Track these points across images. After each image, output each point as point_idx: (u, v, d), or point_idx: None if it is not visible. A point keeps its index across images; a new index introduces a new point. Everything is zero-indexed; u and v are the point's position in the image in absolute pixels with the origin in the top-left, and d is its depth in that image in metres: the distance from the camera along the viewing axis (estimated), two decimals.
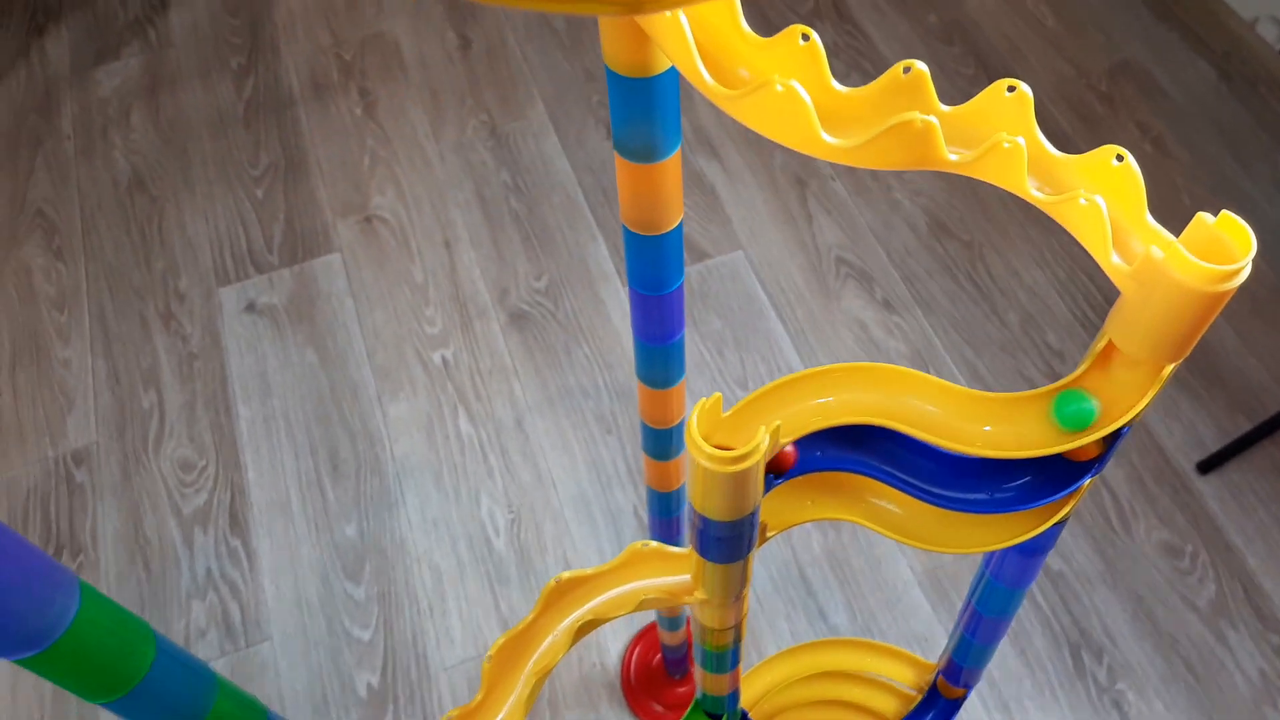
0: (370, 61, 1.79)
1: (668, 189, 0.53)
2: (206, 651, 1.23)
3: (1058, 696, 1.16)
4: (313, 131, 1.70)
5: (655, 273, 0.59)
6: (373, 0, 1.89)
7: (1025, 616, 1.21)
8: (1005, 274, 1.46)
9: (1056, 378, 1.40)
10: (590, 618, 0.50)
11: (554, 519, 1.30)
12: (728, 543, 0.44)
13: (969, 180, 1.54)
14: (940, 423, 0.42)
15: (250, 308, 1.51)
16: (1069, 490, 0.45)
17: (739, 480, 0.39)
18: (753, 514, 0.42)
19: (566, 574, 0.51)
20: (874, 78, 0.41)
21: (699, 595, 0.50)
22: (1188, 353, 0.37)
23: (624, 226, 0.56)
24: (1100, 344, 0.39)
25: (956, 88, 1.68)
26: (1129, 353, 0.38)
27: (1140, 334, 0.37)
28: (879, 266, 1.48)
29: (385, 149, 1.67)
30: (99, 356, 1.47)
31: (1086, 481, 0.48)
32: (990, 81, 0.52)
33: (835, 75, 0.41)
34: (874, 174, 1.57)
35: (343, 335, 1.47)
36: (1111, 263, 0.36)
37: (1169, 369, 0.38)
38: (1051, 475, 0.46)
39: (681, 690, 1.16)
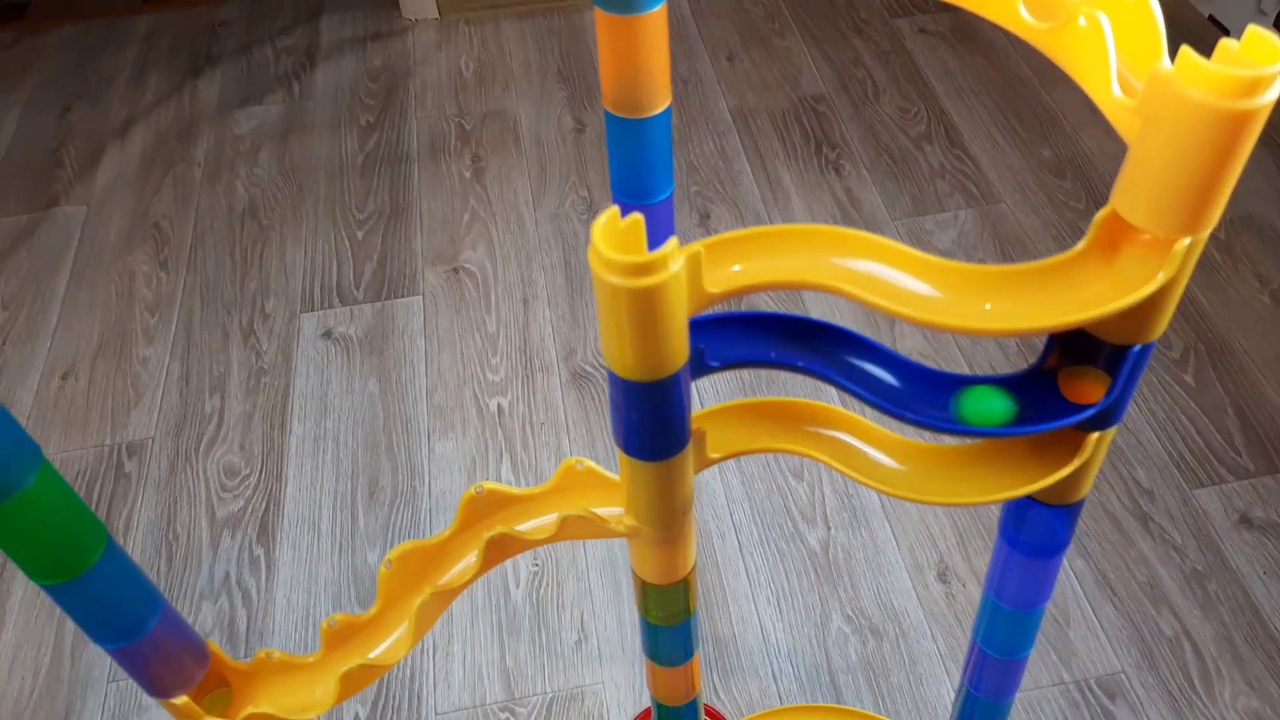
0: (488, 133, 1.87)
1: (650, 50, 0.49)
2: None
3: None
4: (422, 187, 1.77)
5: (640, 179, 0.55)
6: (502, 82, 1.98)
7: None
8: None
9: (1137, 504, 1.28)
10: (504, 532, 0.45)
11: (578, 579, 1.23)
12: (651, 424, 0.39)
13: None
14: (934, 301, 0.36)
15: (327, 334, 1.53)
16: (1053, 424, 0.39)
17: (650, 301, 0.34)
18: (678, 376, 0.37)
19: (490, 484, 0.46)
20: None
21: (627, 521, 0.44)
22: (1209, 220, 0.32)
23: (606, 112, 0.53)
24: (1104, 213, 0.34)
25: (1064, 219, 1.63)
26: (1136, 222, 0.33)
27: (1148, 190, 0.31)
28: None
29: (485, 210, 1.72)
30: (176, 359, 1.51)
31: (1086, 432, 0.41)
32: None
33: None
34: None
35: (408, 371, 1.47)
36: (1113, 98, 0.31)
37: (1184, 246, 0.33)
38: (1042, 407, 0.39)
39: None
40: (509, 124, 1.89)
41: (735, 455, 0.44)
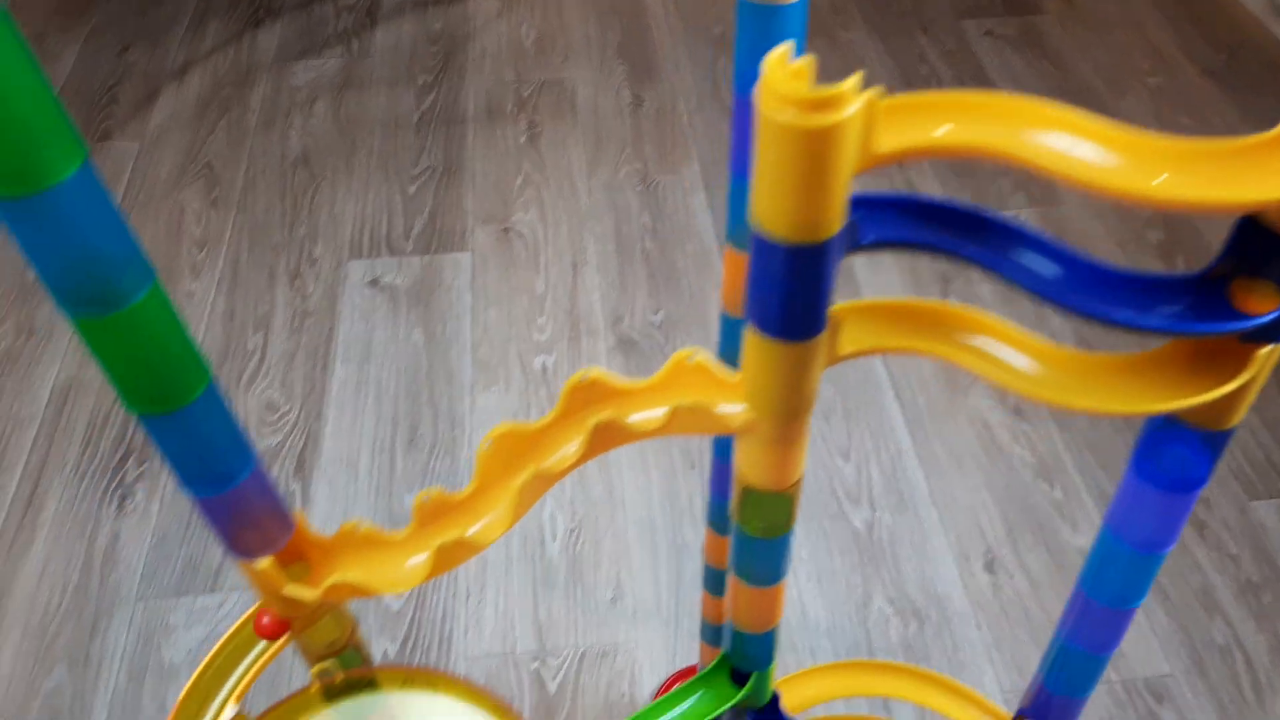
0: (545, 100, 1.85)
1: None
2: (234, 580, 1.18)
3: None
4: (476, 148, 1.75)
5: None
6: (562, 53, 1.97)
7: None
8: None
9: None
10: (611, 419, 0.42)
11: (615, 537, 1.21)
12: (794, 296, 0.36)
13: None
14: (1102, 167, 0.34)
15: (374, 283, 1.52)
16: (1221, 327, 0.36)
17: (820, 143, 0.32)
18: (830, 243, 0.35)
19: (596, 371, 0.44)
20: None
21: (744, 415, 0.42)
22: None
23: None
24: None
25: (1128, 226, 1.59)
26: None
27: None
28: None
29: (539, 175, 1.70)
30: (221, 295, 1.50)
31: (1253, 346, 0.39)
32: None
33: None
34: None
35: (453, 325, 1.46)
36: None
37: None
38: (1207, 310, 0.37)
39: None
40: (567, 93, 1.87)
41: (868, 353, 0.42)
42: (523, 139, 1.77)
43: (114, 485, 1.29)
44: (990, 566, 1.18)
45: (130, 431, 1.34)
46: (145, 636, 1.15)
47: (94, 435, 1.34)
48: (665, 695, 0.59)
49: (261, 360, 1.41)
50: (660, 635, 1.13)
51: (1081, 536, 1.20)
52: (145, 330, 0.35)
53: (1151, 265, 1.50)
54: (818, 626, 1.12)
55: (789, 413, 0.41)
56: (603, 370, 0.44)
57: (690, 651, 1.12)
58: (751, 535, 0.46)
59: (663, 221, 1.60)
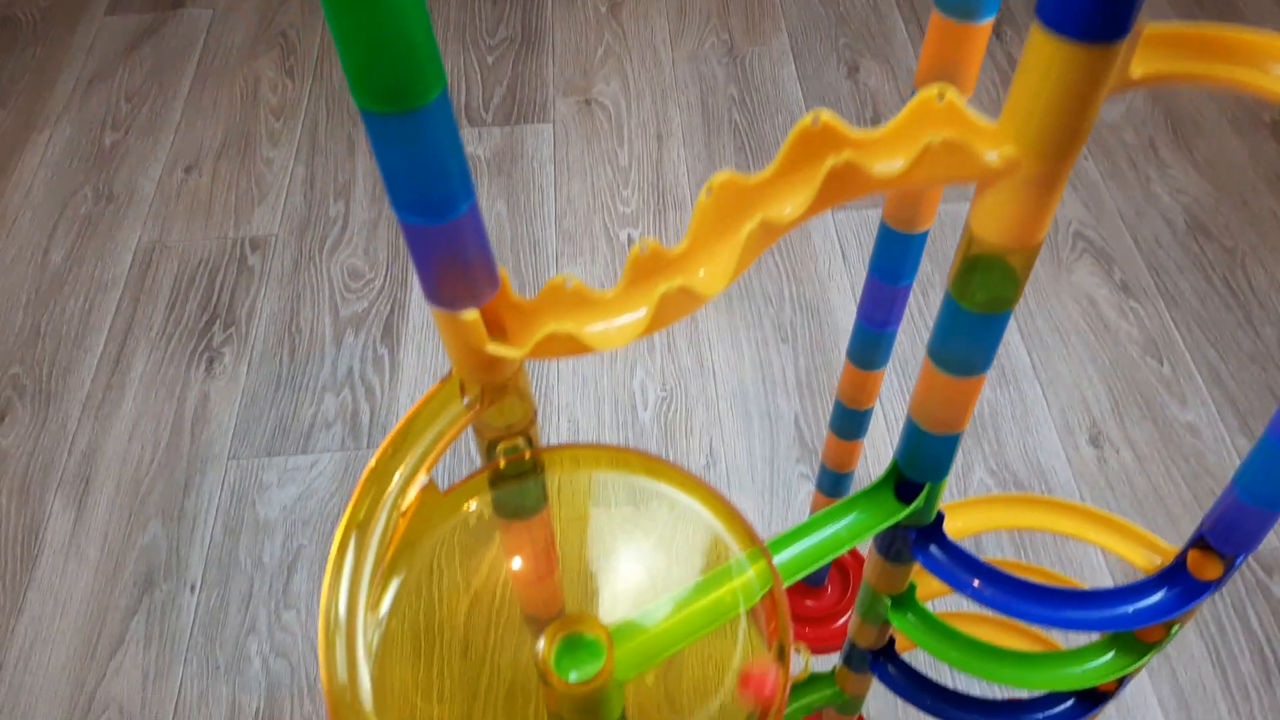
0: None
1: None
2: (326, 442, 1.18)
3: None
4: (555, 19, 1.69)
5: (896, 266, 0.60)
6: None
7: (1233, 634, 1.01)
8: (1268, 287, 1.28)
9: None
10: (850, 162, 0.39)
11: (707, 407, 1.19)
12: None
13: (1240, 188, 1.38)
14: None
15: None
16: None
17: None
18: None
19: (827, 115, 0.40)
20: None
21: (1005, 150, 0.38)
22: None
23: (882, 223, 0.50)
24: None
25: (1240, 103, 1.51)
26: None
27: None
28: (1122, 250, 1.32)
29: (620, 45, 1.64)
30: (300, 163, 1.47)
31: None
32: None
33: None
34: (1132, 162, 1.42)
35: (536, 196, 1.42)
36: None
37: None
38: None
39: (809, 603, 1.02)
40: None
41: (1162, 80, 0.38)
42: (604, 9, 1.71)
43: (201, 348, 1.28)
44: (1095, 441, 1.14)
45: (216, 296, 1.33)
46: (239, 494, 1.16)
47: (179, 299, 1.33)
48: (823, 511, 0.57)
49: (344, 228, 1.39)
50: (754, 503, 1.11)
51: (1190, 412, 1.16)
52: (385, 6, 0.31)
53: (1265, 144, 1.43)
54: None
55: (1061, 146, 0.36)
56: (832, 114, 0.40)
57: (784, 519, 1.10)
58: (968, 310, 0.43)
59: (750, 94, 1.55)
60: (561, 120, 1.52)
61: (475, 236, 0.38)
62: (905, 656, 0.77)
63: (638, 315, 0.39)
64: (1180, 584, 0.60)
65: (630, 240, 1.36)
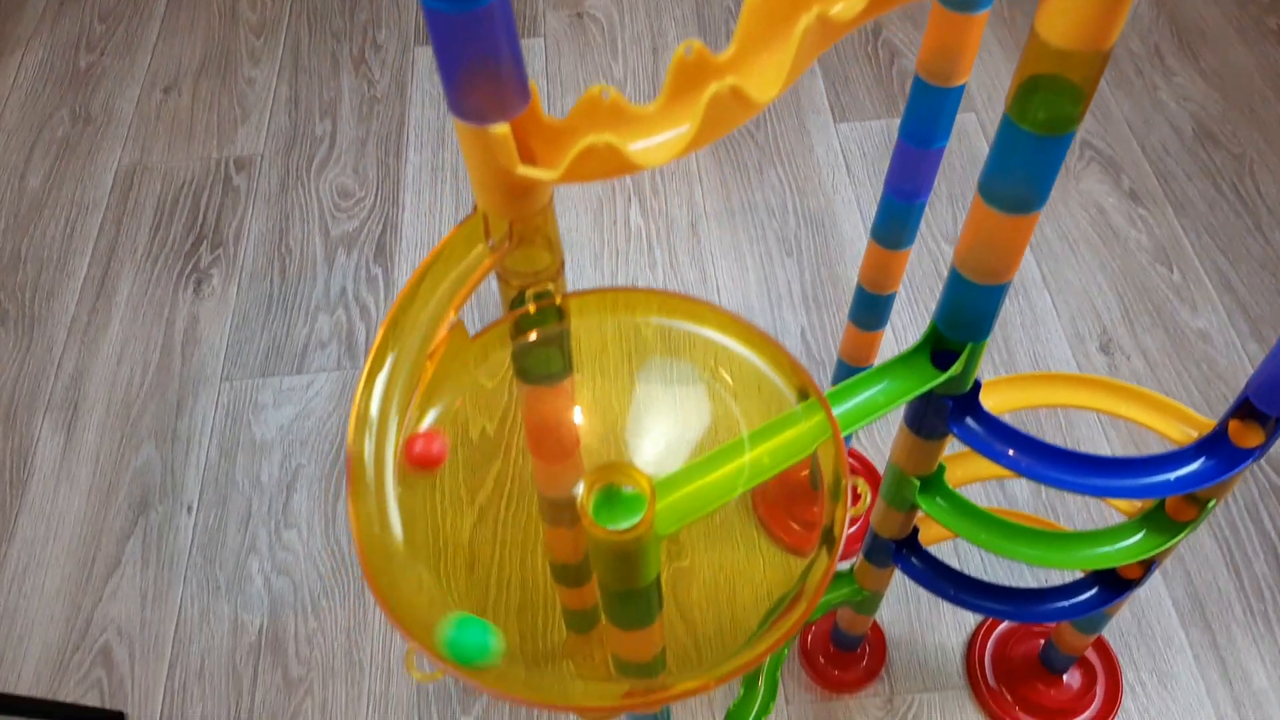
0: None
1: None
2: (322, 361, 1.15)
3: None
4: None
5: (928, 128, 0.58)
6: None
7: (1246, 536, 1.01)
8: (1277, 194, 1.26)
9: None
10: None
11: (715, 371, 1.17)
12: None
13: (1247, 95, 1.35)
14: None
15: None
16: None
17: None
18: None
19: None
20: None
21: None
22: None
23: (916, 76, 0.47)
24: None
25: (1246, 11, 1.48)
26: None
27: None
28: (1130, 158, 1.30)
29: None
30: (284, 82, 1.42)
31: None
32: None
33: None
34: (1138, 70, 1.39)
35: None
36: None
37: None
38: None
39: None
40: None
41: None
42: None
43: (188, 270, 1.25)
44: (1106, 348, 1.13)
45: (201, 217, 1.29)
46: (234, 415, 1.13)
47: (163, 220, 1.29)
48: (855, 378, 0.55)
49: (331, 147, 1.35)
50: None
51: (1201, 319, 1.14)
52: None
53: (1272, 51, 1.40)
54: None
55: None
56: None
57: None
58: (1028, 131, 0.40)
59: None
60: (553, 34, 1.48)
61: (505, 32, 0.34)
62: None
63: (683, 129, 0.36)
64: (1221, 452, 0.58)
65: None
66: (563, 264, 0.44)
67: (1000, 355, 1.12)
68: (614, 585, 0.42)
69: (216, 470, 1.09)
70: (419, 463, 0.40)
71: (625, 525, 0.39)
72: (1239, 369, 1.10)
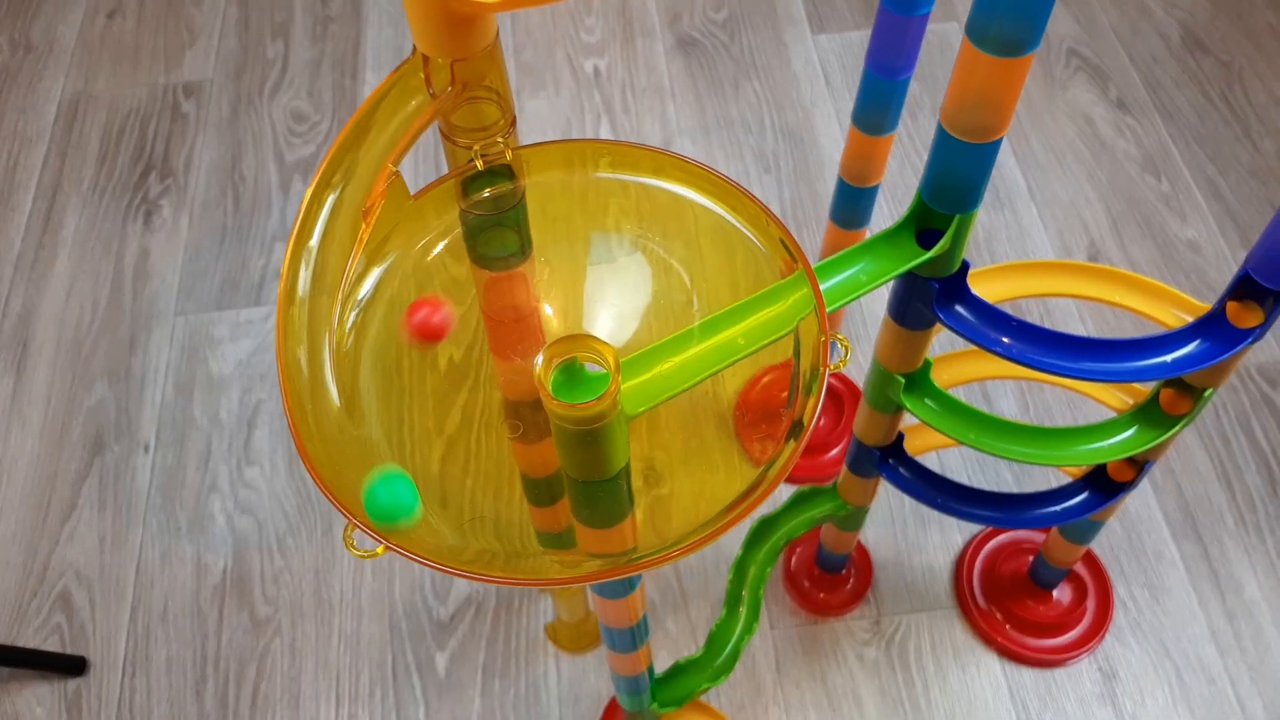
0: None
1: None
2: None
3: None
4: None
5: None
6: None
7: (1238, 447, 0.98)
8: (1266, 101, 1.22)
9: None
10: None
11: (687, 244, 1.12)
12: None
13: (1235, 1, 1.31)
14: None
15: None
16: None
17: None
18: None
19: None
20: None
21: None
22: None
23: None
24: None
25: None
26: None
27: None
28: (1117, 67, 1.26)
29: None
30: (232, 3, 1.35)
31: None
32: None
33: None
34: None
35: None
36: None
37: None
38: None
39: None
40: None
41: None
42: None
43: (137, 201, 1.19)
44: (1094, 259, 1.09)
45: (149, 146, 1.22)
46: (189, 350, 1.08)
47: (110, 151, 1.23)
48: (836, 255, 0.51)
49: (284, 69, 1.28)
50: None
51: (1190, 229, 1.11)
52: None
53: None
54: None
55: None
56: None
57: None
58: None
59: None
60: None
61: None
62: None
63: None
64: (1220, 332, 0.55)
65: (596, 71, 1.27)
66: (514, 120, 0.39)
67: None
68: (579, 474, 0.38)
69: (173, 408, 1.05)
70: (420, 333, 0.36)
71: (586, 398, 0.35)
72: (1229, 278, 1.07)
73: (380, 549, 0.31)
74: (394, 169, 0.35)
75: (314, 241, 0.33)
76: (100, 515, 0.99)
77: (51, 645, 0.93)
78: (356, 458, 0.35)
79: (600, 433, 0.36)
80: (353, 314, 0.37)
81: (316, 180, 0.34)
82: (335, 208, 0.34)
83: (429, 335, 0.33)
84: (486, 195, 0.40)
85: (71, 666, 0.91)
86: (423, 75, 0.35)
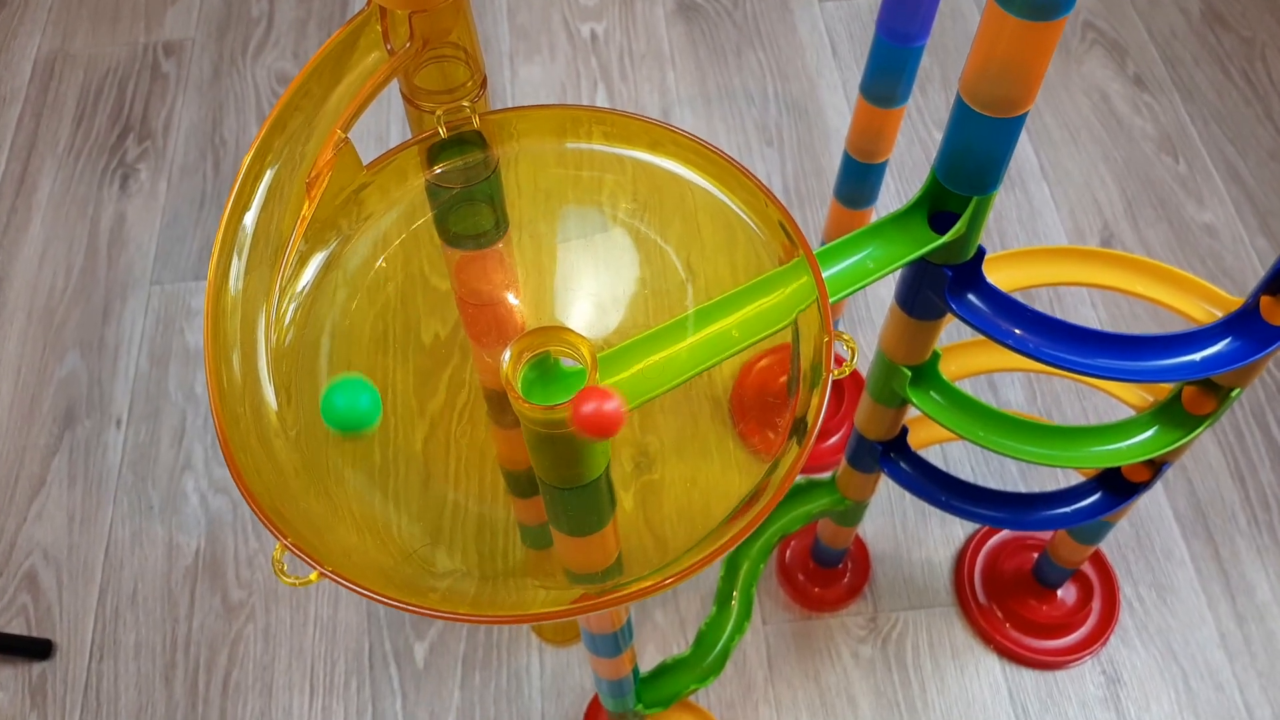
0: None
1: None
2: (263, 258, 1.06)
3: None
4: None
5: None
6: None
7: (1252, 442, 0.94)
8: None
9: None
10: None
11: (685, 220, 1.08)
12: None
13: None
14: None
15: None
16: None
17: None
18: None
19: None
20: None
21: None
22: None
23: None
24: None
25: None
26: None
27: None
28: (1135, 41, 1.21)
29: None
30: None
31: None
32: None
33: None
34: None
35: None
36: None
37: None
38: None
39: None
40: None
41: None
42: None
43: (114, 165, 1.14)
44: (1107, 243, 1.05)
45: (127, 107, 1.18)
46: (165, 320, 1.04)
47: (86, 112, 1.18)
48: (844, 238, 0.47)
49: (269, 29, 1.23)
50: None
51: (1208, 212, 1.07)
52: None
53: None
54: None
55: None
56: None
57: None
58: None
59: None
60: None
61: None
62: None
63: None
64: (1253, 330, 0.50)
65: (594, 36, 1.22)
66: (484, 82, 0.35)
67: (995, 250, 1.04)
68: (553, 479, 0.34)
69: (147, 381, 1.01)
70: (587, 425, 0.31)
71: (559, 401, 0.31)
72: (1246, 265, 1.03)
73: (314, 575, 0.27)
74: (343, 135, 0.31)
75: (250, 219, 0.29)
76: (70, 492, 0.95)
77: (16, 627, 0.90)
78: (298, 464, 0.31)
79: (575, 437, 0.32)
80: (291, 306, 0.33)
81: (254, 149, 0.30)
82: (275, 181, 0.30)
83: (600, 430, 0.28)
84: (455, 166, 0.36)
85: (37, 650, 0.88)
86: (379, 29, 0.31)
